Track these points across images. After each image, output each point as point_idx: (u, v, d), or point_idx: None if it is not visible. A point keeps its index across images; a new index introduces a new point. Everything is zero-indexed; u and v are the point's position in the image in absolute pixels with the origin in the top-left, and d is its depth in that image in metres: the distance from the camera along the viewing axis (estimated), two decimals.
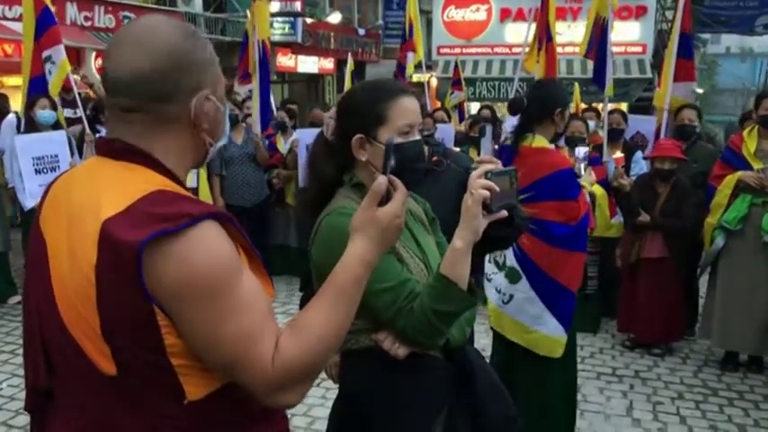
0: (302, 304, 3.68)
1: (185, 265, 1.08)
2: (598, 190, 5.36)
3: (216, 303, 1.10)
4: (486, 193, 1.50)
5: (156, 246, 1.07)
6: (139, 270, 1.06)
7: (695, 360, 5.11)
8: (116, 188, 1.14)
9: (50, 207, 1.25)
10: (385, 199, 1.35)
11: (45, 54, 5.97)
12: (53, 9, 6.06)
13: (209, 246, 1.11)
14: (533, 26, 5.88)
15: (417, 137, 1.71)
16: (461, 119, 9.06)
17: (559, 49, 5.76)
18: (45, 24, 5.94)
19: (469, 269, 1.57)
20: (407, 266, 1.68)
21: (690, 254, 5.32)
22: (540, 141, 3.09)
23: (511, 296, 3.25)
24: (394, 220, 1.34)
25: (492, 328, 3.44)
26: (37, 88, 5.93)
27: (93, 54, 13.00)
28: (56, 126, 5.76)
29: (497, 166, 2.27)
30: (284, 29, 16.89)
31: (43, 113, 5.62)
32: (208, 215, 1.12)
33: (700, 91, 26.30)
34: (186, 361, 1.14)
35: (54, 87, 6.03)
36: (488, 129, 2.27)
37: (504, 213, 1.56)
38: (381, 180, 1.35)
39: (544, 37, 5.47)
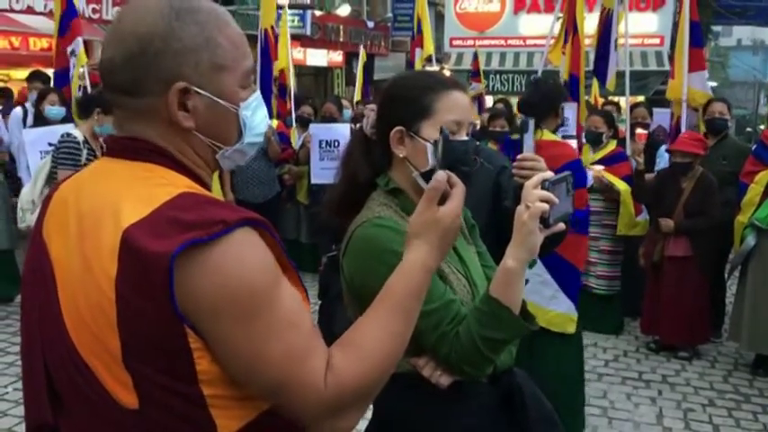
0: (321, 314, 3.55)
1: (222, 279, 0.94)
2: (622, 186, 5.19)
3: (258, 320, 0.96)
4: (546, 206, 1.30)
5: (186, 257, 0.92)
6: (170, 285, 0.92)
7: (724, 364, 4.93)
8: (136, 191, 1.00)
9: (55, 215, 1.09)
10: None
11: (69, 48, 6.07)
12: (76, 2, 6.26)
13: (248, 256, 0.96)
14: (560, 18, 5.71)
15: (465, 137, 1.53)
16: (480, 111, 8.86)
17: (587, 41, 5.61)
18: (69, 17, 6.07)
19: (523, 291, 1.39)
20: (450, 284, 1.49)
21: (716, 252, 5.14)
22: (549, 135, 3.32)
23: (527, 280, 3.36)
24: (455, 221, 1.20)
25: None
26: (61, 81, 6.07)
27: (101, 47, 12.88)
28: (65, 121, 5.66)
29: (542, 164, 2.11)
30: (293, 21, 16.72)
31: (52, 109, 5.57)
32: (244, 221, 0.97)
33: (713, 84, 25.98)
34: (219, 390, 0.98)
35: (75, 80, 6.06)
36: (531, 123, 2.08)
37: (562, 226, 1.37)
38: (441, 176, 1.20)
39: (571, 29, 5.28)
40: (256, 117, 1.12)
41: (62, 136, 4.26)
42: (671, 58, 5.76)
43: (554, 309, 3.46)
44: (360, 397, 1.05)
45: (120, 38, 1.03)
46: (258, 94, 1.14)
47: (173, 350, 0.95)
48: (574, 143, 5.08)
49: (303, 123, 7.02)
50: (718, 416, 4.08)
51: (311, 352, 1.00)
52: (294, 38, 17.36)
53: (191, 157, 1.08)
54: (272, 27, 7.48)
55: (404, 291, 1.12)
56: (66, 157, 4.17)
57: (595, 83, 6.65)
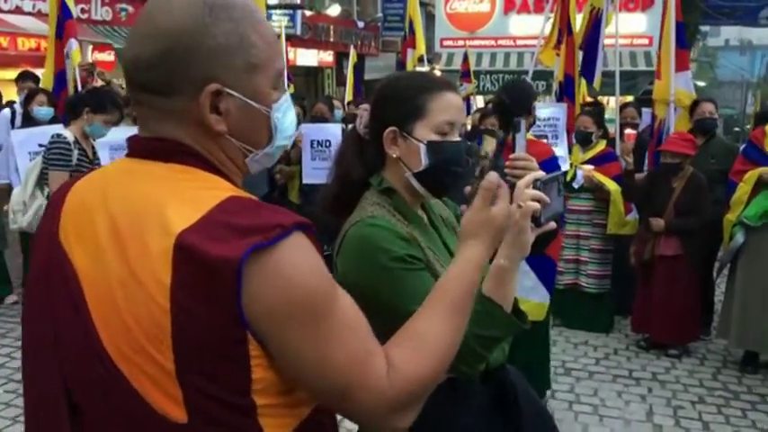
0: None
1: (285, 283, 0.91)
2: (612, 185, 5.23)
3: (322, 324, 0.95)
4: (537, 205, 1.30)
5: (249, 262, 0.89)
6: (238, 291, 0.89)
7: (713, 361, 4.96)
8: (179, 195, 0.95)
9: (74, 220, 1.01)
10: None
11: (66, 50, 6.11)
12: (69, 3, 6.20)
13: (306, 260, 0.94)
14: (550, 18, 5.73)
15: (457, 137, 1.55)
16: (469, 111, 8.88)
17: None
18: (63, 19, 6.10)
19: (515, 290, 1.40)
20: None
21: (706, 251, 5.19)
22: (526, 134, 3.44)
23: None
24: (506, 220, 1.23)
25: None
26: (60, 83, 6.12)
27: (91, 47, 12.79)
28: (53, 122, 5.62)
29: (534, 164, 2.12)
30: (283, 21, 16.69)
31: (40, 110, 5.55)
32: (297, 225, 0.94)
33: (701, 84, 26.15)
34: (269, 400, 0.96)
35: (71, 81, 6.11)
36: (522, 123, 2.08)
37: (553, 225, 1.38)
38: (494, 177, 1.23)
39: (565, 30, 5.29)
40: (287, 119, 1.09)
41: (52, 137, 4.24)
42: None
43: (532, 299, 3.68)
44: (422, 394, 1.05)
45: (149, 34, 0.98)
46: (288, 95, 1.10)
47: (231, 359, 0.92)
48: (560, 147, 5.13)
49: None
50: (707, 413, 4.11)
51: (373, 352, 1.00)
52: (285, 38, 17.39)
53: (222, 161, 1.04)
54: None
55: (461, 288, 1.14)
56: (57, 158, 4.15)
57: (583, 83, 6.69)
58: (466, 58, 10.58)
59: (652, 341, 5.12)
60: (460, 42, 16.03)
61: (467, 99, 10.03)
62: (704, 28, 21.19)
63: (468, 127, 7.00)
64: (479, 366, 1.47)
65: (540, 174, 1.37)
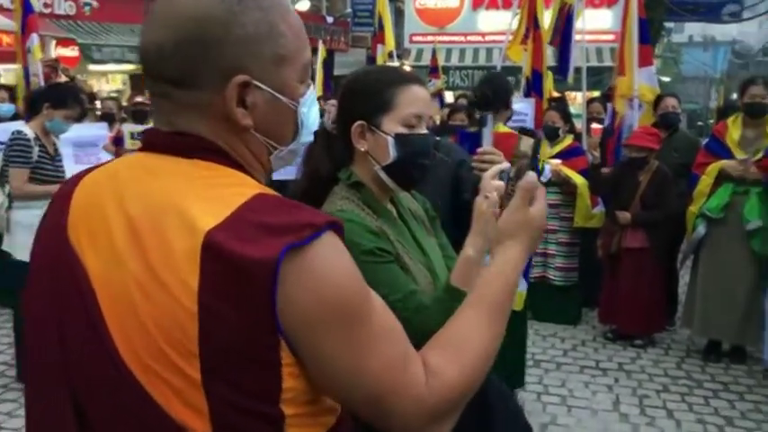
0: None
1: (319, 286, 0.86)
2: (579, 179, 5.31)
3: (358, 328, 0.89)
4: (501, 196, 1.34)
5: (283, 263, 0.84)
6: (273, 293, 0.83)
7: (677, 351, 5.08)
8: (203, 192, 0.89)
9: (86, 217, 0.95)
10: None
11: (27, 44, 6.07)
12: None
13: (340, 261, 0.89)
14: (517, 14, 5.79)
15: (424, 130, 1.56)
16: (441, 106, 8.92)
17: None
18: (26, 14, 6.09)
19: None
20: (412, 275, 1.52)
21: (671, 243, 5.30)
22: (503, 127, 3.43)
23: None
24: (543, 221, 1.19)
25: None
26: (27, 79, 6.12)
27: (54, 42, 12.55)
28: (15, 118, 5.52)
29: (501, 158, 2.15)
30: None
31: (2, 106, 5.48)
32: (328, 225, 0.88)
33: (666, 79, 26.60)
34: (297, 409, 0.90)
35: (34, 77, 6.06)
36: (490, 118, 2.13)
37: None
38: (532, 177, 1.20)
39: (531, 25, 5.35)
40: (312, 114, 1.04)
41: (12, 134, 4.15)
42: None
43: None
44: (461, 401, 1.00)
45: (171, 21, 0.91)
46: (313, 89, 1.05)
47: (261, 365, 0.86)
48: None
49: None
50: (671, 401, 4.20)
51: (410, 357, 0.95)
52: None
53: (246, 158, 0.98)
54: None
55: (501, 289, 1.10)
56: (17, 156, 4.07)
57: (549, 78, 6.77)
58: (434, 53, 10.62)
59: (618, 332, 5.21)
60: (430, 38, 16.10)
61: (437, 95, 10.09)
62: (669, 24, 21.54)
63: (438, 122, 7.05)
64: None
65: (506, 166, 1.40)
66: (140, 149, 0.99)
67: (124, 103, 8.37)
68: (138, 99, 6.88)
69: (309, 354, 0.88)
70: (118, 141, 5.71)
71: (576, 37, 6.41)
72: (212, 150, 0.95)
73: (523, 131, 1.40)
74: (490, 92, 3.45)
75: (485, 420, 1.56)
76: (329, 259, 0.87)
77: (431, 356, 0.98)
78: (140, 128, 5.71)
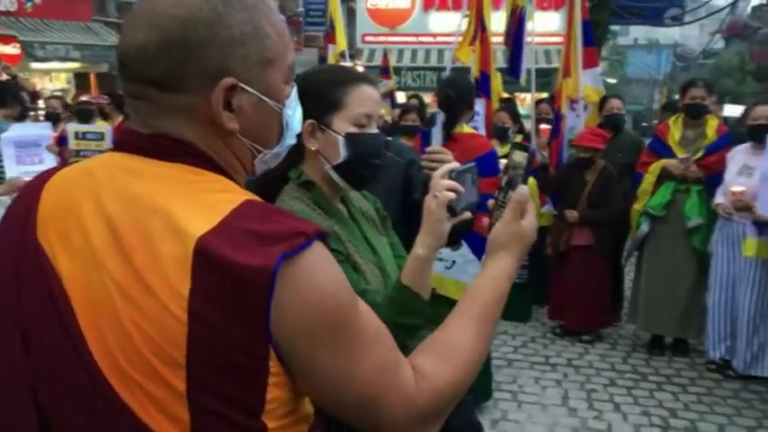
0: None
1: (312, 294, 0.85)
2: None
3: (350, 334, 0.90)
4: (453, 195, 1.35)
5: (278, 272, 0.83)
6: (268, 303, 0.82)
7: (624, 345, 5.22)
8: (191, 197, 0.87)
9: (57, 217, 0.91)
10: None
11: None
12: None
13: (331, 269, 0.89)
14: (467, 15, 5.85)
15: (374, 129, 1.57)
16: (392, 107, 8.95)
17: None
18: None
19: (430, 278, 1.44)
20: (364, 275, 1.53)
21: (615, 241, 5.44)
22: (466, 128, 3.54)
23: (453, 262, 3.54)
24: (534, 234, 1.24)
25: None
26: None
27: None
28: None
29: (450, 157, 2.18)
30: None
31: None
32: (317, 234, 0.88)
33: (612, 81, 27.25)
34: (278, 422, 0.89)
35: None
36: (439, 117, 2.15)
37: (469, 215, 1.43)
38: (525, 190, 1.23)
39: (479, 27, 5.42)
40: (296, 116, 1.04)
41: None
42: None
43: None
44: (449, 404, 1.01)
45: (155, 21, 0.88)
46: (296, 90, 1.04)
47: (249, 375, 0.84)
48: None
49: None
50: (618, 395, 4.32)
51: (399, 362, 0.97)
52: None
53: (229, 162, 0.97)
54: None
55: (492, 297, 1.14)
56: None
57: (498, 80, 6.87)
58: (385, 54, 10.64)
59: (567, 328, 5.33)
60: (382, 38, 16.11)
61: (389, 95, 10.11)
62: (615, 27, 22.08)
63: (390, 122, 7.08)
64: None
65: (455, 165, 1.42)
66: (114, 149, 0.96)
67: (69, 102, 8.15)
68: (84, 98, 6.70)
69: (301, 361, 0.87)
70: (62, 141, 5.55)
71: (527, 39, 6.52)
72: (196, 155, 0.93)
73: (518, 147, 1.42)
74: (454, 93, 3.48)
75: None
76: (320, 268, 0.87)
77: (420, 360, 1.00)
78: (85, 127, 5.56)
